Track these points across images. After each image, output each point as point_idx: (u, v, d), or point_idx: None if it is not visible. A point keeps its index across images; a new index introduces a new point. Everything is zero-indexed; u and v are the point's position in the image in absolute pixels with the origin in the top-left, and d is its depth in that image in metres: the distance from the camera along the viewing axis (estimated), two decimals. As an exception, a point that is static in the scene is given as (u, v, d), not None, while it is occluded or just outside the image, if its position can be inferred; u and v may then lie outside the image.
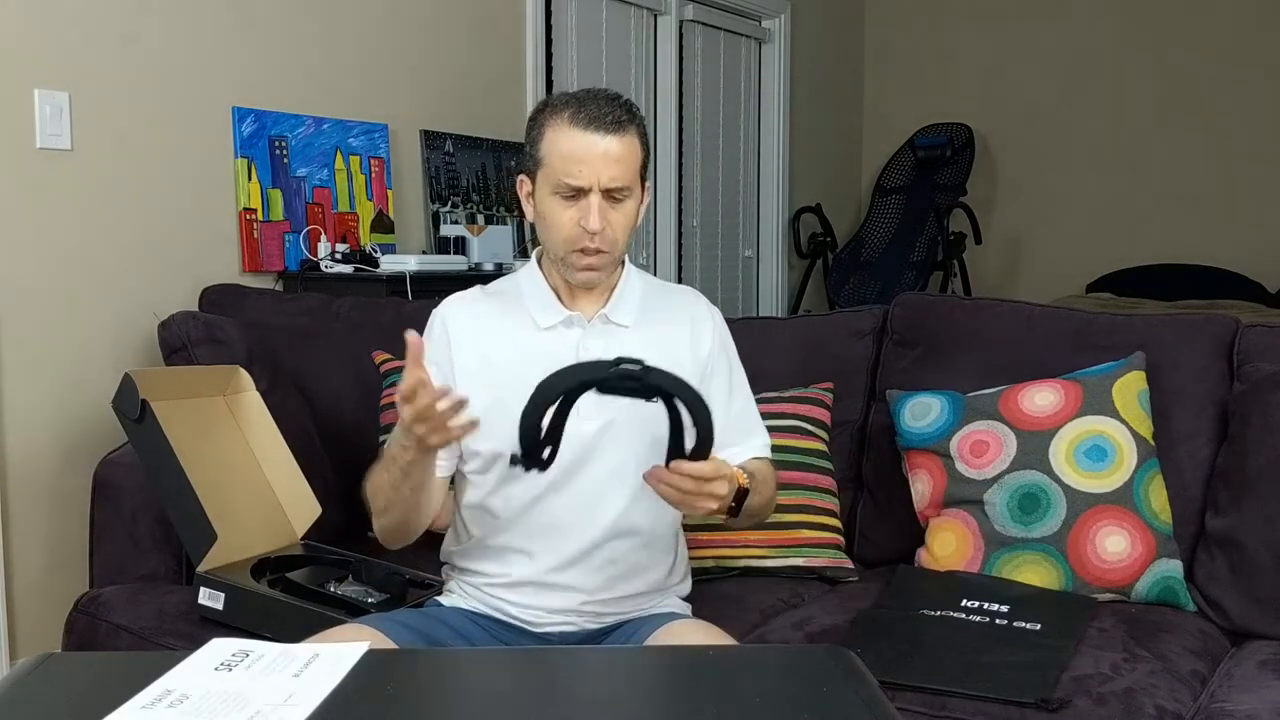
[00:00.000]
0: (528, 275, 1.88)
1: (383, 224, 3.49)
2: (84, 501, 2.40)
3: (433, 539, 2.01)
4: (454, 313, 1.87)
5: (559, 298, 1.84)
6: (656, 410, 1.74)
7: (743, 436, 1.91)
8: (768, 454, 1.94)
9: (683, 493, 1.62)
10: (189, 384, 2.27)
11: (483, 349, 1.83)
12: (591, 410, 1.75)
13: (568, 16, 4.32)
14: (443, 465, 1.81)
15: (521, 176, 1.82)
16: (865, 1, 6.53)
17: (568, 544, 1.79)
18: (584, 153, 1.72)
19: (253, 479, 2.28)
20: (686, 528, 1.98)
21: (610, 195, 1.74)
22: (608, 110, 1.73)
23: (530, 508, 1.79)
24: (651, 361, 1.69)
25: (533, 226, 1.86)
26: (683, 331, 1.89)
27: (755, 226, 5.73)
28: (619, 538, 1.80)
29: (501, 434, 1.76)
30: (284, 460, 2.30)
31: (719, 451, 1.89)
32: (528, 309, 1.84)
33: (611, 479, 1.79)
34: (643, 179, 1.80)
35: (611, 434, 1.78)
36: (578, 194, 1.74)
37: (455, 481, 1.89)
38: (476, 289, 1.93)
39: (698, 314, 1.93)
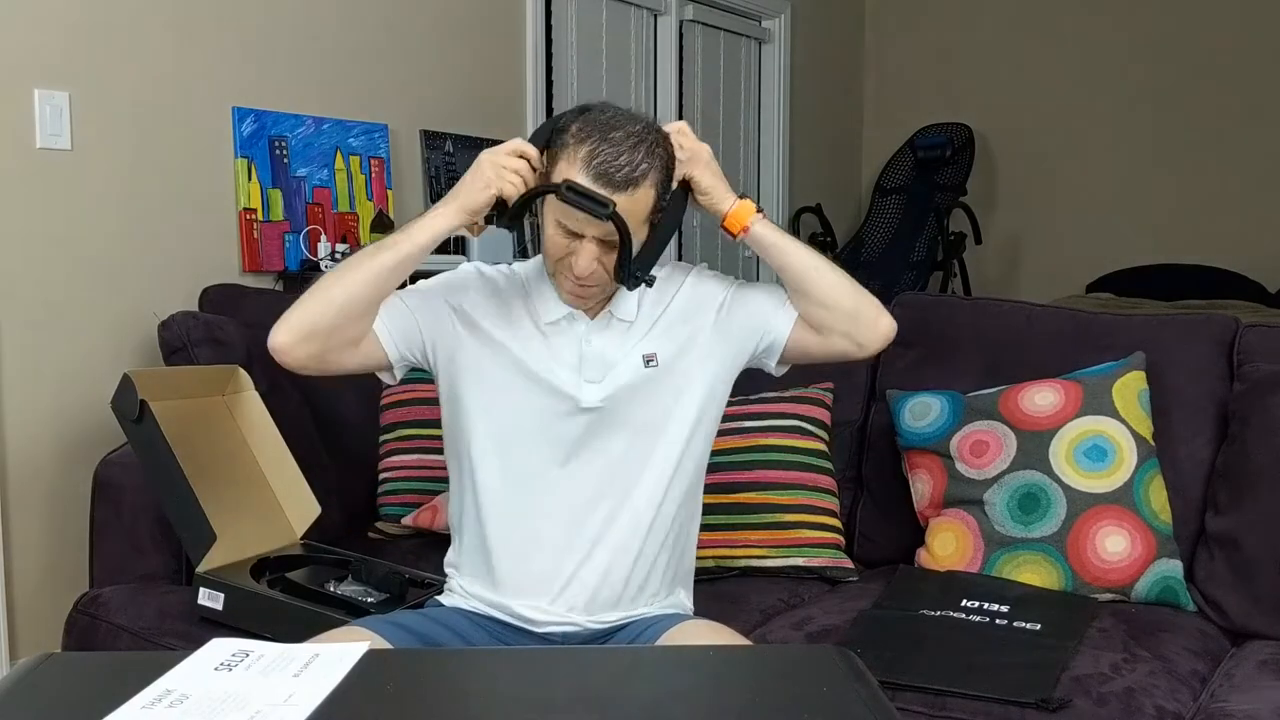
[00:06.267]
0: (536, 266, 1.87)
1: (383, 224, 3.48)
2: (84, 501, 2.40)
3: (440, 542, 2.02)
4: (481, 277, 1.87)
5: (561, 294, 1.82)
6: (642, 406, 1.76)
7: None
8: None
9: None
10: (188, 384, 2.27)
11: (490, 331, 1.82)
12: (577, 410, 1.76)
13: (568, 16, 4.32)
14: (386, 329, 1.79)
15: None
16: (865, 1, 6.53)
17: (568, 553, 1.78)
18: None
19: (252, 479, 2.28)
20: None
21: (607, 243, 1.70)
22: (625, 162, 1.65)
23: (530, 514, 1.78)
24: (673, 347, 1.77)
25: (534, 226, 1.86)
26: (681, 306, 1.85)
27: (755, 226, 5.71)
28: (619, 541, 1.79)
29: (499, 417, 1.79)
30: (283, 460, 2.30)
31: (782, 308, 1.86)
32: (533, 302, 1.84)
33: (605, 480, 1.78)
34: (653, 216, 1.73)
35: (600, 429, 1.78)
36: (574, 234, 1.70)
37: (453, 486, 1.88)
38: (503, 267, 1.91)
39: (685, 282, 1.87)
